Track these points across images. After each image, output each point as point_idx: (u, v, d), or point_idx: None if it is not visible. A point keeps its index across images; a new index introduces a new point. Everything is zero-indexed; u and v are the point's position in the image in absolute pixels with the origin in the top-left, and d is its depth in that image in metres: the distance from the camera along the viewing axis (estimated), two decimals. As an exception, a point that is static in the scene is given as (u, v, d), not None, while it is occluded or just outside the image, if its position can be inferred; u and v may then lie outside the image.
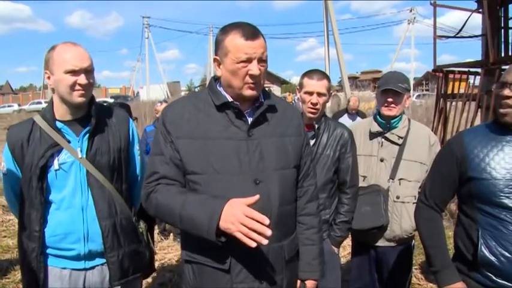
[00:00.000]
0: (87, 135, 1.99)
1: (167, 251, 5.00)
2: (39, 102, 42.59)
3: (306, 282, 1.88)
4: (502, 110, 1.80)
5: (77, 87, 1.91)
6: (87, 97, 1.97)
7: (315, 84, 2.53)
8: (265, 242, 1.44)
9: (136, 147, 2.21)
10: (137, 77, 54.49)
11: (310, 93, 2.53)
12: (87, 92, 1.95)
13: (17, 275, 4.22)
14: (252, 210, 1.46)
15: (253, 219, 1.45)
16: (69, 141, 1.96)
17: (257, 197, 1.49)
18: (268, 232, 1.42)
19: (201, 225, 1.53)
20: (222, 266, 1.65)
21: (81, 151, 1.97)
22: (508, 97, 1.76)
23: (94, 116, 2.00)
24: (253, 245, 1.44)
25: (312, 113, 2.54)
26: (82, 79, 1.90)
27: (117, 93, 49.12)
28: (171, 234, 5.57)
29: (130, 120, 2.22)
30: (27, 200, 1.97)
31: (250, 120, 1.71)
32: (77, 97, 1.93)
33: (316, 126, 2.58)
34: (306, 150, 1.88)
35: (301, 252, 1.86)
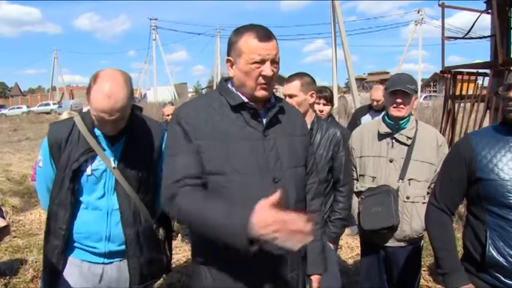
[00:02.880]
0: (122, 146, 2.04)
1: (175, 251, 5.01)
2: (48, 104, 42.98)
3: (312, 277, 1.91)
4: (509, 111, 1.81)
5: (106, 126, 1.94)
6: (117, 131, 2.00)
7: (285, 87, 2.71)
8: (310, 239, 1.35)
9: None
10: (144, 78, 54.81)
11: (285, 97, 2.67)
12: (115, 130, 1.98)
13: (27, 274, 4.27)
14: (285, 214, 1.36)
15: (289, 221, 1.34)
16: (104, 149, 2.01)
17: (277, 194, 1.39)
18: (308, 227, 1.33)
19: (232, 235, 1.43)
20: (243, 263, 1.64)
21: (114, 161, 2.02)
22: None
23: (130, 128, 2.05)
24: (298, 247, 1.34)
25: None
26: (108, 127, 1.94)
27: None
28: (179, 235, 5.59)
29: (165, 133, 2.22)
30: (57, 198, 2.03)
31: (264, 120, 1.74)
32: (106, 132, 1.99)
33: (309, 127, 2.64)
34: (310, 149, 1.94)
35: (307, 248, 1.88)
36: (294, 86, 2.67)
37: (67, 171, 1.98)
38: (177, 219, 1.72)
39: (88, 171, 2.00)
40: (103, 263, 2.07)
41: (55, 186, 2.04)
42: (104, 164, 2.01)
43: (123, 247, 2.06)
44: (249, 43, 1.64)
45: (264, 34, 1.65)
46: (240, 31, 1.69)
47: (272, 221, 1.34)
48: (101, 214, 2.03)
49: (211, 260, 1.70)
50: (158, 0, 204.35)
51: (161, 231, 2.23)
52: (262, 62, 1.64)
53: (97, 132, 2.02)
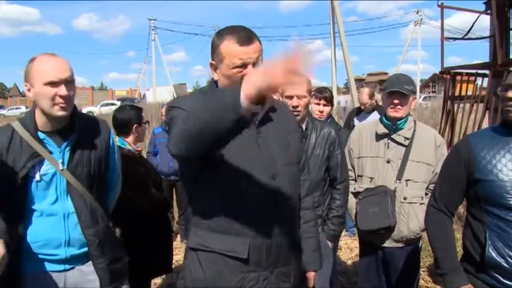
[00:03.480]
0: (69, 146, 1.98)
1: (175, 252, 4.99)
2: (47, 105, 42.79)
3: (307, 274, 1.94)
4: (508, 111, 1.82)
5: (58, 99, 1.87)
6: (69, 110, 1.93)
7: (293, 88, 2.64)
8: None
9: (115, 157, 2.24)
10: (144, 79, 54.72)
11: (290, 97, 2.63)
12: (68, 105, 1.91)
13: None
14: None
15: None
16: (51, 152, 1.95)
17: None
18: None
19: (223, 98, 1.30)
20: (240, 255, 1.65)
21: (62, 163, 1.95)
22: (511, 99, 1.79)
23: (76, 128, 1.99)
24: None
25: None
26: (62, 90, 1.86)
27: (123, 96, 49.33)
28: (178, 235, 5.58)
29: (111, 131, 2.24)
30: (6, 209, 1.88)
31: (256, 119, 1.73)
32: (58, 111, 1.89)
33: (304, 127, 2.67)
34: (301, 146, 1.95)
35: (302, 245, 1.90)
36: (302, 87, 2.65)
37: (14, 179, 1.88)
38: (185, 144, 1.44)
39: (37, 177, 1.91)
40: (64, 270, 1.99)
41: (2, 198, 1.90)
42: (52, 167, 1.94)
43: (84, 249, 2.00)
44: (229, 48, 1.63)
45: (245, 37, 1.63)
46: (221, 34, 1.68)
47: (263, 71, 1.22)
48: (57, 219, 1.95)
49: (205, 250, 1.69)
50: (157, 0, 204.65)
51: (117, 230, 2.21)
52: (244, 66, 1.63)
53: (41, 135, 1.95)
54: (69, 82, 1.91)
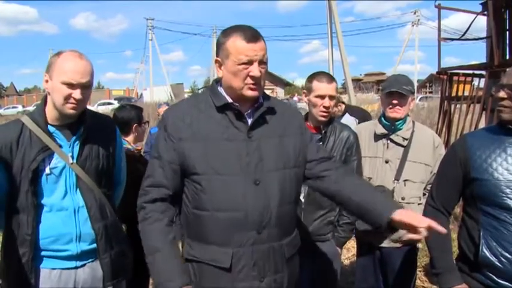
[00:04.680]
0: (79, 140, 2.00)
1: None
2: (44, 104, 42.54)
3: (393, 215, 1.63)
4: (500, 111, 1.85)
5: (71, 100, 1.90)
6: (79, 110, 1.96)
7: (326, 88, 2.56)
8: None
9: (121, 154, 2.27)
10: (141, 78, 54.75)
11: (322, 97, 2.55)
12: (79, 106, 1.94)
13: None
14: None
15: None
16: (60, 146, 1.96)
17: None
18: None
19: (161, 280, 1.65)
20: (223, 264, 1.67)
21: (72, 156, 1.97)
22: (502, 98, 1.82)
23: (86, 122, 2.02)
24: None
25: (324, 116, 2.57)
26: (77, 94, 1.89)
27: (120, 95, 49.18)
28: (176, 235, 5.58)
29: (117, 128, 2.28)
30: (15, 204, 1.92)
31: (250, 121, 1.74)
32: (69, 109, 1.92)
33: (323, 130, 2.61)
34: (312, 144, 1.91)
35: (363, 194, 1.78)
36: (335, 88, 2.59)
37: (24, 173, 1.90)
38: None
39: (47, 170, 1.93)
40: (75, 267, 2.00)
41: (12, 192, 1.92)
42: (62, 160, 1.96)
43: (94, 245, 2.02)
44: (236, 44, 1.65)
45: (252, 35, 1.66)
46: (227, 32, 1.70)
47: None
48: (67, 214, 1.96)
49: (195, 258, 1.72)
50: (156, 0, 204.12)
51: (123, 225, 2.24)
52: (249, 62, 1.65)
53: (51, 129, 1.97)
54: (86, 86, 1.93)
